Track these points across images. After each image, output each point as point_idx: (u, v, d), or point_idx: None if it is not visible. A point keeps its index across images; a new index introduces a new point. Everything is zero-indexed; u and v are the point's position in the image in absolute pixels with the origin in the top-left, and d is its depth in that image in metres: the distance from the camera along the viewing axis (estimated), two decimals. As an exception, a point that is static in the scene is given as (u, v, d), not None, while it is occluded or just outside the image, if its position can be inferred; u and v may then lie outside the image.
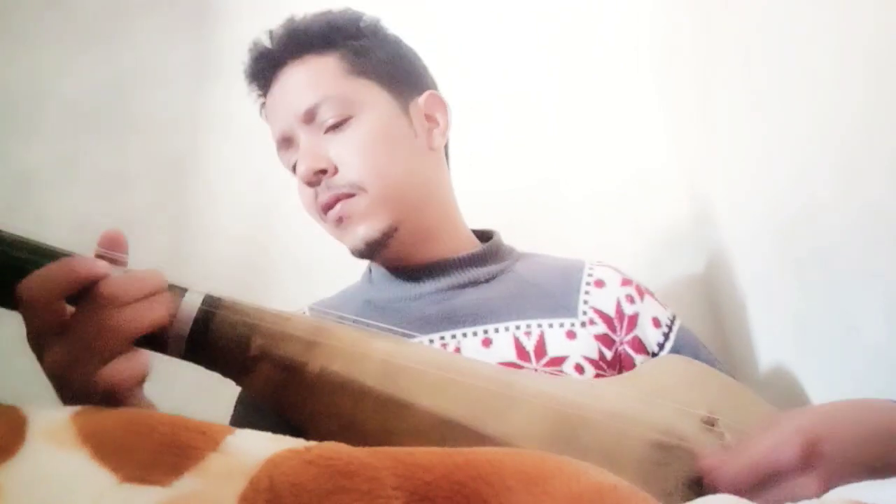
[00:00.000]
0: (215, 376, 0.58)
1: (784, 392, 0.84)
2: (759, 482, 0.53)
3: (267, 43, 0.84)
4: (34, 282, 0.47)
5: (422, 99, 0.86)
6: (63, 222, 1.17)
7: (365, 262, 0.91)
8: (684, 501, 0.46)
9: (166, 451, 0.39)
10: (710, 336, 0.97)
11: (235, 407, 0.76)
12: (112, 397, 0.47)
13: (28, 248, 0.50)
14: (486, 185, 1.04)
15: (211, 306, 0.54)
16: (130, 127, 1.28)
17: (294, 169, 0.83)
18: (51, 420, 0.41)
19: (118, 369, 0.47)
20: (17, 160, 1.21)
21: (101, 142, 1.26)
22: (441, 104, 0.88)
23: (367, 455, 0.38)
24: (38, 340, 0.48)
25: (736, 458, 0.55)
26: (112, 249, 0.51)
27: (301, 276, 1.17)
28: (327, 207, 0.79)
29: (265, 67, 0.85)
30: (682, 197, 1.16)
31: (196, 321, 0.53)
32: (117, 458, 0.38)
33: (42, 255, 0.49)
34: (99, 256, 0.51)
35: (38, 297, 0.47)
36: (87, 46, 1.28)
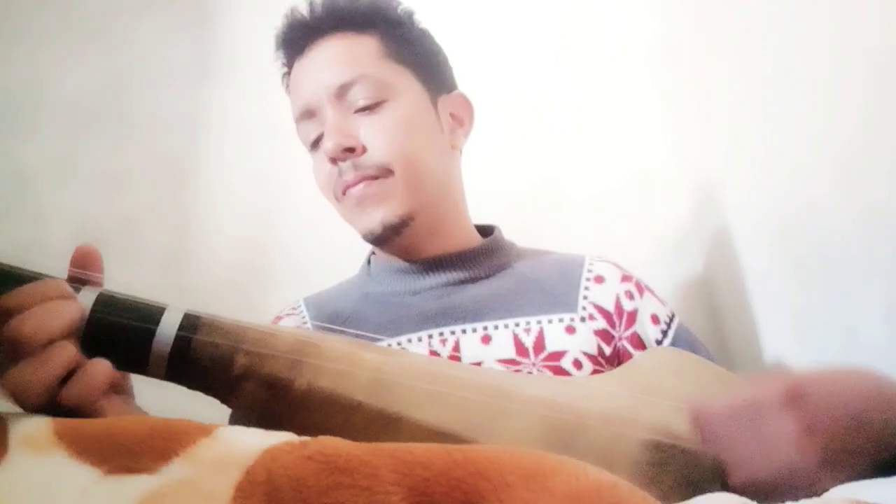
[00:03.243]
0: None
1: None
2: (741, 421, 0.52)
3: (305, 13, 0.83)
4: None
5: (451, 97, 0.87)
6: (62, 222, 1.17)
7: (363, 257, 0.91)
8: (682, 500, 0.46)
9: (155, 436, 0.38)
10: (710, 335, 0.97)
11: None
12: (83, 414, 0.47)
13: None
14: (488, 183, 1.03)
15: (191, 325, 0.52)
16: (129, 127, 1.28)
17: (312, 143, 0.82)
18: (29, 425, 0.40)
19: (75, 388, 0.46)
20: (17, 160, 1.21)
21: (101, 141, 1.26)
22: (468, 106, 0.89)
23: (365, 452, 0.38)
24: None
25: (718, 399, 0.55)
26: (85, 267, 0.50)
27: (300, 276, 1.16)
28: (350, 187, 0.78)
29: (299, 37, 0.83)
30: (683, 196, 1.16)
31: (176, 341, 0.51)
32: (99, 453, 0.38)
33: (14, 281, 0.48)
34: (72, 277, 0.50)
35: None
36: (86, 46, 1.28)
